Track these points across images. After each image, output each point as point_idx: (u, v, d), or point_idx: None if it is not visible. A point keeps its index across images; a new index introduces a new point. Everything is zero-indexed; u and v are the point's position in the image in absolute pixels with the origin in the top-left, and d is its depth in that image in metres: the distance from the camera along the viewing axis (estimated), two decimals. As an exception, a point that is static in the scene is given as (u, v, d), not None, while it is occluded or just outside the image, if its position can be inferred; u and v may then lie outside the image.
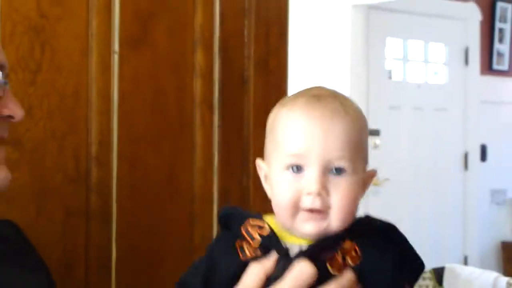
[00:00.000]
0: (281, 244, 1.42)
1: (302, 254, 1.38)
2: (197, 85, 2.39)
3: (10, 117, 1.44)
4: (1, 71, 1.42)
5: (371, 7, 7.07)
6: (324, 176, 1.39)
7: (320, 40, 7.04)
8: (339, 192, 1.39)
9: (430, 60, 7.67)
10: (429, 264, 3.87)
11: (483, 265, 7.10)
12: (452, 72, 7.72)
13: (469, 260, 7.56)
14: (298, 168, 1.40)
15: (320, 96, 1.46)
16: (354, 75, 6.96)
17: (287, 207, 1.40)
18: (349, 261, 1.39)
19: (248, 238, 1.44)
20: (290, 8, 2.57)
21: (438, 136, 7.53)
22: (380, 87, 7.21)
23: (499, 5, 7.96)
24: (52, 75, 2.12)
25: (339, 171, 1.40)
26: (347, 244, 1.40)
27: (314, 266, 1.35)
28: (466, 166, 7.74)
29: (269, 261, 1.40)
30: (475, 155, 7.78)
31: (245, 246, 1.44)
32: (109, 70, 2.22)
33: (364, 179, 1.47)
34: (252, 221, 1.46)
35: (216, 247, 1.51)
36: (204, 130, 2.41)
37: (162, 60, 2.32)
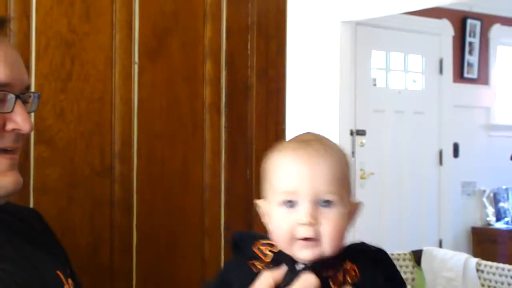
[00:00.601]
0: (291, 258, 1.42)
1: (307, 268, 1.39)
2: (207, 91, 2.39)
3: (18, 130, 1.43)
4: (12, 89, 1.41)
5: (358, 23, 7.07)
6: (315, 208, 1.40)
7: (313, 52, 7.03)
8: (328, 222, 1.40)
9: (409, 69, 7.68)
10: (409, 247, 3.88)
11: (455, 248, 7.10)
12: (428, 80, 7.72)
13: (443, 243, 7.55)
14: (291, 204, 1.41)
15: (307, 141, 1.48)
16: (343, 82, 6.94)
17: (285, 238, 1.40)
18: (348, 279, 1.41)
19: (261, 255, 1.45)
20: (287, 24, 2.57)
21: (416, 135, 7.53)
22: (366, 93, 7.21)
23: (469, 22, 7.98)
24: (80, 83, 2.12)
25: (327, 203, 1.41)
26: (348, 265, 1.42)
27: (318, 279, 1.36)
28: (440, 161, 7.74)
29: (279, 271, 1.40)
30: (448, 152, 7.78)
31: (257, 263, 1.45)
32: (130, 79, 2.22)
33: (351, 210, 1.46)
34: (263, 241, 1.47)
35: (230, 271, 1.51)
36: (212, 130, 2.41)
37: (176, 70, 2.31)
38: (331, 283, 1.40)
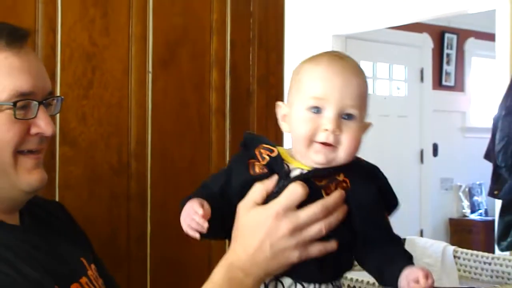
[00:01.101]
0: (284, 165, 1.41)
1: (299, 177, 1.38)
2: (213, 97, 2.38)
3: (42, 133, 1.43)
4: (35, 96, 1.41)
5: (347, 37, 7.06)
6: (339, 118, 1.38)
7: (308, 62, 7.02)
8: (349, 133, 1.38)
9: (394, 78, 7.66)
10: (393, 235, 3.87)
11: (435, 237, 7.09)
12: (410, 87, 7.71)
13: (424, 233, 7.55)
14: (317, 109, 1.38)
15: (340, 55, 1.47)
16: (335, 89, 6.94)
17: (305, 139, 1.38)
18: (341, 188, 1.39)
19: (259, 157, 1.42)
20: (285, 37, 2.57)
21: (400, 136, 7.53)
22: (355, 99, 7.20)
23: (447, 35, 7.99)
24: (100, 90, 2.12)
25: (350, 116, 1.39)
26: (341, 177, 1.40)
27: (306, 187, 1.35)
28: (421, 160, 7.74)
29: (271, 181, 1.38)
30: (428, 151, 7.77)
31: (256, 164, 1.42)
32: (144, 86, 2.22)
33: (365, 126, 1.46)
34: (265, 146, 1.44)
35: (234, 162, 1.50)
36: (218, 132, 2.41)
37: (185, 78, 2.31)
38: (323, 193, 1.37)
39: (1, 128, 1.38)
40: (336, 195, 1.37)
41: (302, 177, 1.38)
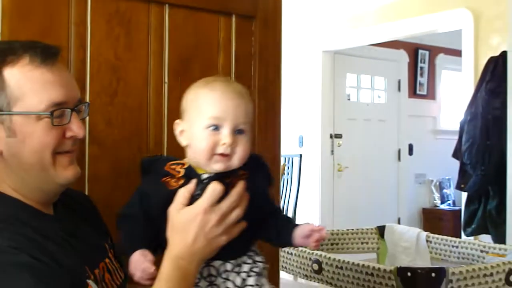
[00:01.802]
0: (198, 172, 1.48)
1: (212, 178, 1.46)
2: (220, 104, 2.38)
3: (75, 136, 1.45)
4: (68, 105, 1.42)
5: (336, 52, 7.07)
6: (233, 134, 1.46)
7: (302, 74, 7.03)
8: (242, 145, 1.47)
9: (375, 87, 7.68)
10: (374, 223, 3.87)
11: (410, 224, 7.10)
12: (389, 95, 7.73)
13: (401, 221, 7.56)
14: (215, 127, 1.46)
15: (230, 82, 1.60)
16: (324, 97, 6.95)
17: (206, 152, 1.46)
18: (242, 181, 1.48)
19: (174, 172, 1.48)
20: (282, 53, 2.57)
21: (380, 138, 7.55)
22: (342, 106, 7.22)
23: (420, 51, 8.03)
24: (124, 98, 2.12)
25: (241, 131, 1.48)
26: (240, 172, 1.49)
27: (222, 185, 1.44)
28: (399, 158, 7.75)
29: (191, 184, 1.46)
30: (405, 151, 7.79)
31: (170, 180, 1.48)
32: (161, 94, 2.21)
33: (251, 136, 1.54)
34: (173, 162, 1.51)
35: (147, 188, 1.52)
36: (224, 134, 2.41)
37: (196, 88, 2.31)
38: (231, 188, 1.46)
39: (41, 134, 1.38)
40: (240, 186, 1.46)
41: (214, 178, 1.45)
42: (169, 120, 2.23)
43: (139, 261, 1.42)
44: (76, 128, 1.45)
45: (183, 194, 1.44)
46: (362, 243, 3.65)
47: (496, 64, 4.83)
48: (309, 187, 6.88)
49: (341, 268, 2.64)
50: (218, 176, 1.46)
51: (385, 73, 7.69)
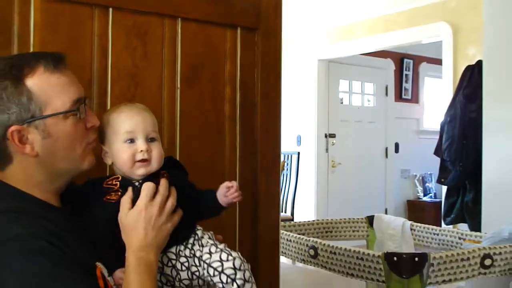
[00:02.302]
0: (130, 180, 1.52)
1: (143, 181, 1.50)
2: (227, 107, 2.38)
3: (93, 124, 1.47)
4: (82, 100, 1.45)
5: (330, 61, 7.08)
6: (147, 142, 1.52)
7: (299, 80, 7.04)
8: (155, 150, 1.53)
9: (365, 92, 7.67)
10: (364, 213, 3.87)
11: (396, 214, 7.10)
12: (377, 99, 7.73)
13: (388, 211, 7.55)
14: (131, 140, 1.51)
15: (132, 103, 1.63)
16: (319, 101, 6.96)
17: (128, 162, 1.50)
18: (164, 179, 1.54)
19: (112, 186, 1.51)
20: (282, 61, 2.56)
21: (370, 137, 7.54)
22: (335, 108, 7.22)
23: (405, 60, 8.05)
24: (140, 102, 2.11)
25: (153, 139, 1.54)
26: (162, 172, 1.54)
27: (153, 183, 1.49)
28: (386, 155, 7.74)
29: (129, 192, 1.48)
30: (391, 149, 7.78)
31: (111, 195, 1.51)
32: (174, 99, 2.21)
33: (160, 143, 1.60)
34: (109, 178, 1.53)
35: (95, 213, 1.53)
36: (230, 135, 2.40)
37: (205, 92, 2.30)
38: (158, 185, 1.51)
39: (71, 129, 1.41)
40: (163, 182, 1.51)
41: (145, 181, 1.50)
42: (181, 121, 2.23)
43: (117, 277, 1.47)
44: (92, 118, 1.50)
45: (126, 201, 1.47)
46: (353, 231, 3.65)
47: (472, 72, 4.84)
48: (306, 181, 6.88)
49: (335, 253, 2.64)
50: (147, 179, 1.50)
51: (374, 80, 7.69)
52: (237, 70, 2.41)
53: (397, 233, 3.55)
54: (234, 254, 1.50)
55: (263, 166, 2.49)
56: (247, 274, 1.47)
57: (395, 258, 2.43)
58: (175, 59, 2.23)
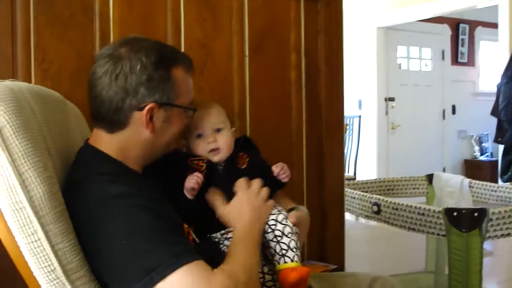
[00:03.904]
0: (216, 165, 1.55)
1: (226, 163, 1.54)
2: (292, 74, 2.36)
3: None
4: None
5: (388, 28, 6.95)
6: (214, 133, 1.54)
7: (360, 47, 6.94)
8: (221, 139, 1.55)
9: (422, 57, 7.52)
10: (424, 172, 3.81)
11: (454, 173, 6.98)
12: (435, 64, 7.56)
13: (446, 170, 7.44)
14: (200, 135, 1.54)
15: (200, 102, 1.60)
16: (379, 66, 6.86)
17: (203, 153, 1.54)
18: (245, 160, 1.57)
19: (197, 167, 1.54)
20: (343, 29, 2.53)
21: (427, 100, 7.43)
22: (394, 73, 7.11)
23: (461, 25, 7.84)
24: (211, 69, 2.13)
25: (219, 130, 1.55)
26: (240, 153, 1.57)
27: (247, 178, 1.52)
28: (443, 117, 7.59)
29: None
30: (449, 110, 7.63)
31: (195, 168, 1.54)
32: (243, 66, 2.21)
33: (232, 132, 1.59)
34: (194, 158, 1.55)
35: (178, 180, 1.55)
36: (297, 99, 2.39)
37: (272, 60, 2.30)
38: (237, 165, 1.55)
39: (182, 123, 1.46)
40: (258, 181, 1.54)
41: (226, 163, 1.55)
42: (250, 87, 2.23)
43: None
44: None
45: (216, 198, 1.51)
46: (413, 188, 3.60)
47: (529, 34, 4.67)
48: (367, 143, 6.83)
49: (397, 209, 2.61)
50: (228, 162, 1.55)
51: (431, 45, 7.51)
52: (301, 38, 2.39)
53: (456, 190, 3.49)
54: (283, 212, 1.52)
55: (328, 128, 2.47)
56: (287, 229, 1.48)
57: (455, 213, 2.38)
58: (242, 30, 2.22)
